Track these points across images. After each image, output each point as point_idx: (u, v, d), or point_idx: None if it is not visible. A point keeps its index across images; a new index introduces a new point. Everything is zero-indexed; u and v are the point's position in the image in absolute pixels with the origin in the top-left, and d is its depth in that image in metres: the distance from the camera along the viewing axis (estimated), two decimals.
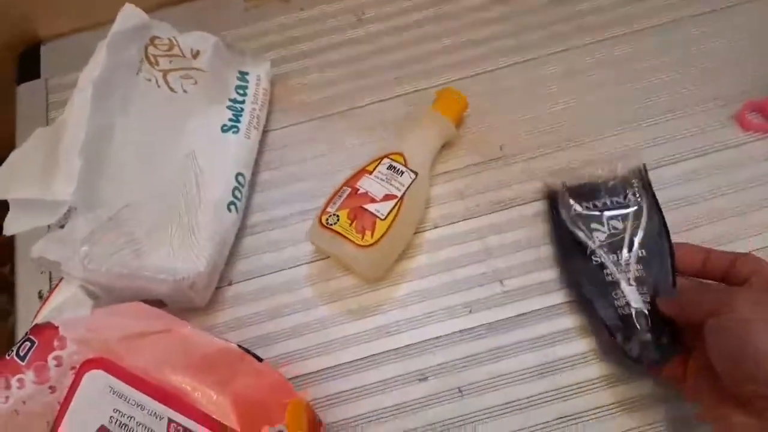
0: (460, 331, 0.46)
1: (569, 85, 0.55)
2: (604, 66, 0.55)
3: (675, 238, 0.44)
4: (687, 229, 0.47)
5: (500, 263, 0.48)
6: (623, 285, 0.43)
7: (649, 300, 0.42)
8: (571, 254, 0.46)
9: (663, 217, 0.45)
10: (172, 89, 0.49)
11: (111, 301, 0.44)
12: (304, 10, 0.62)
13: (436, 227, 0.50)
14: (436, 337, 0.46)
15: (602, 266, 0.44)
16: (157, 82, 0.49)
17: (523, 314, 0.46)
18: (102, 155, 0.45)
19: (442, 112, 0.51)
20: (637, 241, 0.44)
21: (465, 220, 0.50)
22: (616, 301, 0.42)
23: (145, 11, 0.50)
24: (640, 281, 0.42)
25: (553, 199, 0.48)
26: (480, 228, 0.49)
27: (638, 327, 0.41)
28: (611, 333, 0.42)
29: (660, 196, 0.46)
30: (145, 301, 0.42)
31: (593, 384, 0.43)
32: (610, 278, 0.43)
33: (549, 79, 0.55)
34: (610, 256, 0.44)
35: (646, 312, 0.41)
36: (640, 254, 0.43)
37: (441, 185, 0.52)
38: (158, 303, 0.45)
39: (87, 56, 0.47)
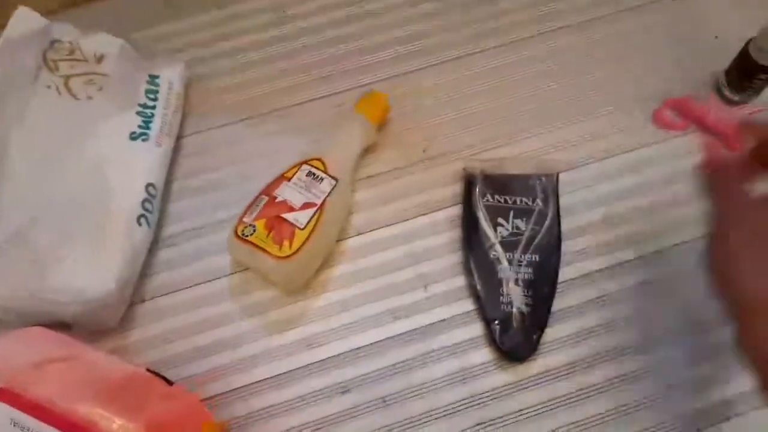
0: (384, 339, 0.45)
1: (492, 86, 0.55)
2: (527, 65, 0.55)
3: (582, 240, 0.46)
4: (600, 229, 0.48)
5: (424, 268, 0.48)
6: (511, 284, 0.45)
7: (530, 303, 0.44)
8: (473, 242, 0.47)
9: (560, 231, 0.47)
10: (74, 96, 0.47)
11: (16, 324, 0.42)
12: (223, 9, 0.59)
13: (359, 234, 0.49)
14: (358, 348, 0.45)
15: (498, 261, 0.46)
16: (57, 89, 0.46)
17: (444, 320, 0.46)
18: None
19: (364, 114, 0.50)
20: (533, 245, 0.46)
21: (388, 225, 0.49)
22: (501, 297, 0.45)
23: (54, 10, 0.47)
24: (526, 283, 0.45)
25: (469, 183, 0.49)
26: (404, 233, 0.49)
27: (514, 325, 0.44)
28: (489, 324, 0.44)
29: (574, 196, 0.47)
30: (53, 324, 0.40)
31: (510, 387, 0.43)
32: (501, 275, 0.45)
33: (472, 80, 0.55)
34: (506, 254, 0.46)
35: (525, 313, 0.44)
36: (533, 259, 0.46)
37: (364, 190, 0.51)
38: (65, 326, 0.42)
39: None
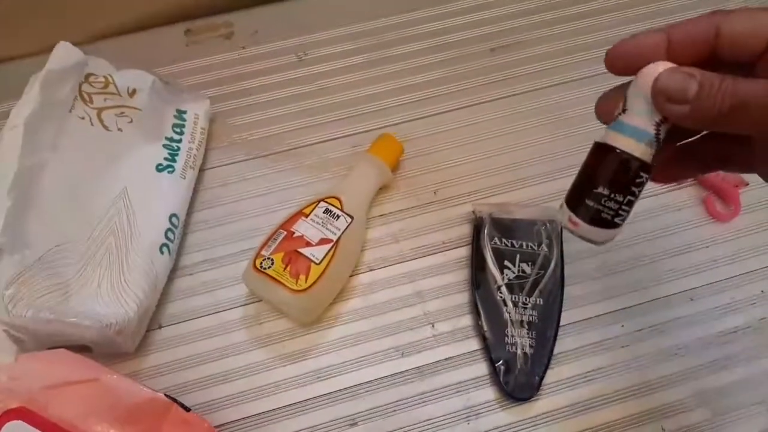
0: (391, 375, 0.47)
1: (504, 132, 0.57)
2: (539, 114, 0.58)
3: (586, 284, 0.49)
4: (604, 274, 0.50)
5: (431, 306, 0.49)
6: (516, 326, 0.47)
7: (533, 344, 0.46)
8: (480, 283, 0.49)
9: (563, 275, 0.49)
10: (106, 127, 0.49)
11: (36, 347, 0.43)
12: (245, 48, 0.62)
13: (370, 270, 0.51)
14: (368, 381, 0.46)
15: (504, 302, 0.47)
16: (90, 120, 0.48)
17: (450, 358, 0.47)
18: (31, 195, 0.44)
19: (379, 156, 0.52)
20: (538, 288, 0.48)
21: (399, 263, 0.51)
22: (506, 338, 0.47)
23: (84, 42, 0.50)
24: (531, 325, 0.47)
25: (478, 226, 0.51)
26: (413, 271, 0.51)
27: (518, 366, 0.46)
28: (494, 364, 0.46)
29: (576, 243, 0.49)
30: (72, 347, 0.41)
31: (512, 427, 0.45)
32: (507, 316, 0.47)
33: (485, 126, 0.57)
34: (512, 296, 0.48)
35: (529, 354, 0.46)
36: (538, 302, 0.48)
37: (377, 228, 0.53)
38: (85, 348, 0.44)
39: (17, 86, 0.46)
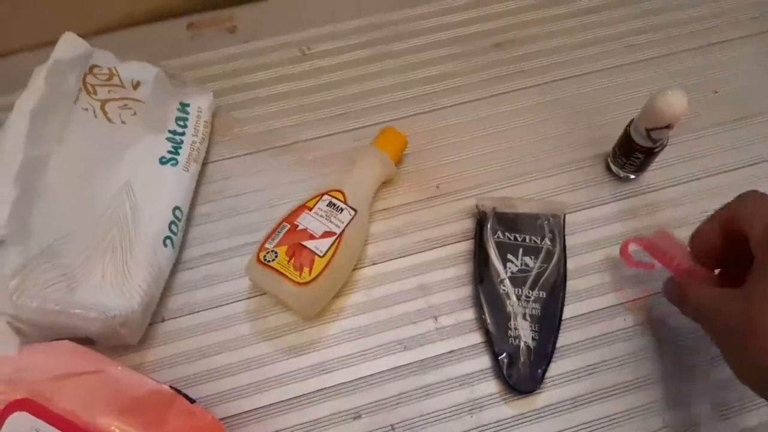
0: (394, 368, 0.47)
1: (506, 127, 0.57)
2: (542, 109, 0.58)
3: (589, 278, 0.49)
4: (607, 268, 0.50)
5: (435, 300, 0.49)
6: (519, 319, 0.47)
7: (536, 337, 0.46)
8: (484, 277, 0.49)
9: (566, 269, 0.49)
10: (109, 119, 0.49)
11: (39, 338, 0.43)
12: (249, 42, 0.62)
13: (373, 264, 0.51)
14: (371, 375, 0.46)
15: (507, 296, 0.48)
16: (94, 111, 0.48)
17: (453, 351, 0.47)
18: (36, 185, 0.44)
19: (383, 149, 0.52)
20: (541, 282, 0.48)
21: (402, 257, 0.51)
22: (509, 331, 0.47)
23: (88, 35, 0.49)
24: (533, 318, 0.47)
25: (481, 220, 0.51)
26: (416, 265, 0.51)
27: (521, 359, 0.46)
28: (497, 357, 0.46)
29: (579, 237, 0.50)
30: (75, 339, 0.41)
31: (515, 420, 0.45)
32: (510, 309, 0.47)
33: (488, 121, 0.58)
34: (515, 289, 0.48)
35: (532, 348, 0.46)
36: (540, 295, 0.48)
37: (380, 222, 0.53)
38: (88, 341, 0.44)
39: (21, 78, 0.46)
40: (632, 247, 0.48)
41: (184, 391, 0.41)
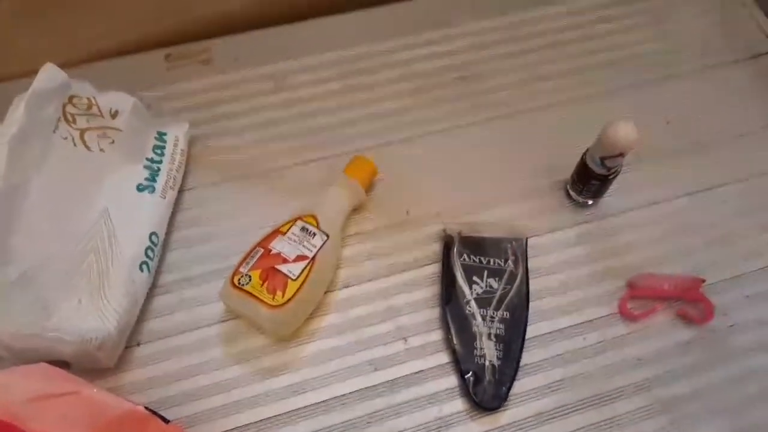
0: (365, 388, 0.48)
1: (471, 156, 0.60)
2: (504, 140, 0.61)
3: (547, 300, 0.52)
4: (569, 289, 0.53)
5: (404, 321, 0.51)
6: (485, 338, 0.49)
7: (501, 356, 0.48)
8: (450, 298, 0.51)
9: (528, 290, 0.52)
10: (88, 148, 0.50)
11: (16, 362, 0.43)
12: (225, 74, 0.64)
13: (346, 287, 0.53)
14: (342, 395, 0.48)
15: (473, 316, 0.50)
16: (73, 140, 0.50)
17: (422, 371, 0.49)
18: (15, 212, 0.45)
19: (354, 177, 0.55)
20: (505, 302, 0.51)
21: (373, 280, 0.53)
22: (475, 351, 0.49)
23: (67, 66, 0.51)
24: (498, 338, 0.49)
25: (448, 243, 0.54)
26: (386, 288, 0.53)
27: (487, 377, 0.48)
28: (464, 376, 0.48)
29: (540, 260, 0.53)
30: (51, 362, 0.42)
31: None
32: (476, 329, 0.50)
33: (454, 150, 0.60)
34: (480, 310, 0.50)
35: (497, 366, 0.48)
36: (504, 315, 0.50)
37: (352, 246, 0.55)
38: (64, 364, 0.44)
39: (1, 107, 0.47)
40: (630, 304, 0.51)
41: (160, 412, 0.42)
